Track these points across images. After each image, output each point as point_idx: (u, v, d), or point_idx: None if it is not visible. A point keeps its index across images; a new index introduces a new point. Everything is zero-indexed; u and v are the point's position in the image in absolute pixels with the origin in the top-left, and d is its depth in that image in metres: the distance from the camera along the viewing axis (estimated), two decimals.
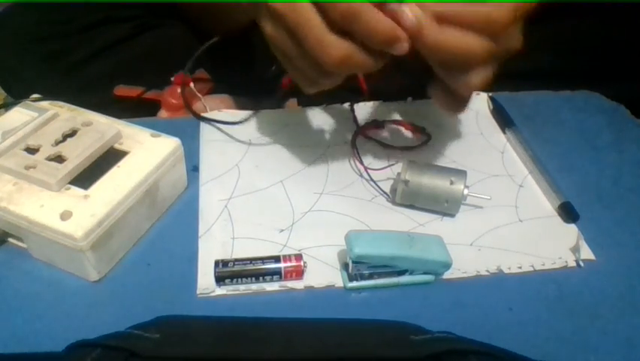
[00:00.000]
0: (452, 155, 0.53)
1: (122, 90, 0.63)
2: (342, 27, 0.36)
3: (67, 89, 0.48)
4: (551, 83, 0.62)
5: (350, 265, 0.39)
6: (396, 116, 0.57)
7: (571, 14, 0.60)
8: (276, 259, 0.41)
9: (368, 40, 0.37)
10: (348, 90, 0.51)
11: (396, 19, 0.36)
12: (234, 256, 0.42)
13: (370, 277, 0.41)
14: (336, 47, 0.36)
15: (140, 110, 0.56)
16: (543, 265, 0.43)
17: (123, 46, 0.67)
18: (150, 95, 0.61)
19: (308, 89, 0.43)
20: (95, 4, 0.67)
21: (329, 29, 0.36)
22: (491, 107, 0.59)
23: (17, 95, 0.55)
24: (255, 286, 0.40)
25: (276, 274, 0.40)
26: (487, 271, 0.42)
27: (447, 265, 0.40)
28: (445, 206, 0.45)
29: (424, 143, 0.54)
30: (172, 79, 0.60)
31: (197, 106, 0.59)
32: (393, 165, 0.50)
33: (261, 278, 0.40)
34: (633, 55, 0.63)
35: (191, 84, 0.59)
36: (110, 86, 0.63)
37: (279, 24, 0.38)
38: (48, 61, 0.64)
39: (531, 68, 0.63)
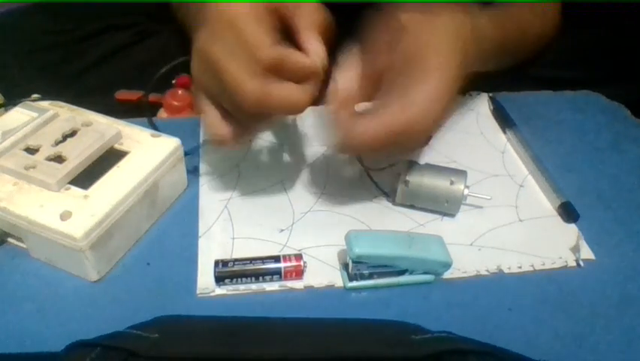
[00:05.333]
0: (452, 155, 0.53)
1: (123, 94, 0.64)
2: (268, 71, 0.36)
3: (67, 99, 0.49)
4: (552, 84, 0.62)
5: (350, 264, 0.39)
6: None
7: (571, 17, 0.60)
8: (276, 258, 0.41)
9: (295, 78, 0.37)
10: None
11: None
12: (234, 256, 0.42)
13: (370, 276, 0.41)
14: (250, 87, 0.36)
15: (140, 113, 0.56)
16: (543, 264, 0.43)
17: (124, 54, 0.67)
18: (152, 97, 0.61)
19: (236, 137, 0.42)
20: (95, 13, 0.68)
21: (249, 70, 0.36)
22: (491, 107, 0.59)
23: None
24: (254, 286, 0.40)
25: (276, 273, 0.40)
26: (487, 270, 0.42)
27: (447, 265, 0.40)
28: (445, 206, 0.45)
29: (424, 143, 0.53)
30: (173, 82, 0.61)
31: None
32: (393, 165, 0.50)
33: (260, 278, 0.40)
34: (633, 56, 0.63)
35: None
36: (111, 94, 0.63)
37: (204, 65, 0.38)
38: (49, 70, 0.64)
39: (533, 72, 0.63)
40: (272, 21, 0.38)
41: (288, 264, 0.40)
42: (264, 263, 0.40)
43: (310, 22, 0.38)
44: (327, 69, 0.38)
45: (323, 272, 0.42)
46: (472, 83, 0.57)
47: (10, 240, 0.43)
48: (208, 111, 0.40)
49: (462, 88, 0.40)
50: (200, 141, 0.53)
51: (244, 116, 0.39)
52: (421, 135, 0.40)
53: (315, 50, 0.37)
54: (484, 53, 0.45)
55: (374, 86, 0.39)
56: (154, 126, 0.49)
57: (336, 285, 0.41)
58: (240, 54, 0.36)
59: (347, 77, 0.39)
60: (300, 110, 0.38)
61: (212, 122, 0.40)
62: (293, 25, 0.38)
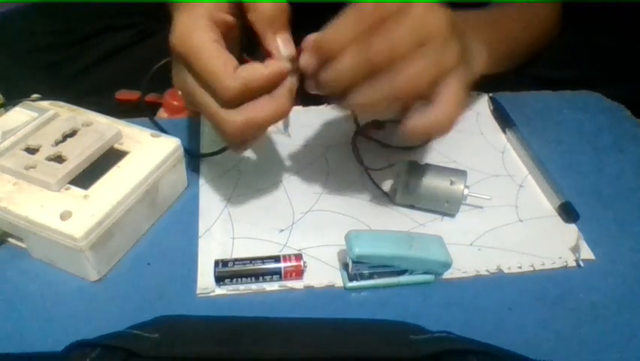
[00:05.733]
0: (452, 155, 0.53)
1: (123, 94, 0.64)
2: (238, 101, 0.36)
3: (67, 99, 0.49)
4: (552, 84, 0.62)
5: (350, 265, 0.39)
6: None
7: (571, 17, 0.60)
8: (276, 258, 0.41)
9: (266, 91, 0.37)
10: None
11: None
12: (234, 256, 0.42)
13: (370, 277, 0.41)
14: (230, 121, 0.36)
15: (140, 114, 0.56)
16: (543, 265, 0.43)
17: (123, 54, 0.67)
18: (151, 97, 0.61)
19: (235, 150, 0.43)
20: (95, 13, 0.68)
21: (223, 105, 0.36)
22: (492, 107, 0.59)
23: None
24: (254, 286, 0.40)
25: (275, 273, 0.40)
26: (487, 271, 0.42)
27: (447, 265, 0.40)
28: (445, 206, 0.45)
29: (424, 143, 0.53)
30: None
31: None
32: (393, 165, 0.50)
33: (260, 278, 0.40)
34: (633, 56, 0.63)
35: None
36: (111, 94, 0.63)
37: (186, 98, 0.39)
38: (49, 70, 0.64)
39: (533, 72, 0.63)
40: (232, 31, 0.38)
41: (288, 264, 0.40)
42: (263, 263, 0.40)
43: (268, 19, 0.37)
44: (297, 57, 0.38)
45: (323, 272, 0.42)
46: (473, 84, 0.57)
47: (10, 240, 0.43)
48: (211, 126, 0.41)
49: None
50: (200, 135, 0.53)
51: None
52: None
53: (278, 49, 0.37)
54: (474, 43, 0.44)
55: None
56: (157, 125, 0.49)
57: (336, 285, 0.41)
58: (209, 86, 0.36)
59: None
60: (286, 113, 0.38)
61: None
62: (253, 25, 0.37)
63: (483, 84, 0.60)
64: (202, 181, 0.49)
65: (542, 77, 0.64)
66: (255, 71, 0.36)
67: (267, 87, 0.37)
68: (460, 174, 0.45)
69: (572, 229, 0.46)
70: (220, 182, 0.49)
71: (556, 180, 0.49)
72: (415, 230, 0.45)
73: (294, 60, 0.37)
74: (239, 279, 0.40)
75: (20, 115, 0.46)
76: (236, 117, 0.36)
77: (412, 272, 0.40)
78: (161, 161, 0.44)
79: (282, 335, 0.34)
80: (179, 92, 0.39)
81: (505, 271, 0.42)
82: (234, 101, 0.36)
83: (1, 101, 0.50)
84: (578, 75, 0.63)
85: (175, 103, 0.60)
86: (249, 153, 0.52)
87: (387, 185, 0.49)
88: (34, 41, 0.65)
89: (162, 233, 0.45)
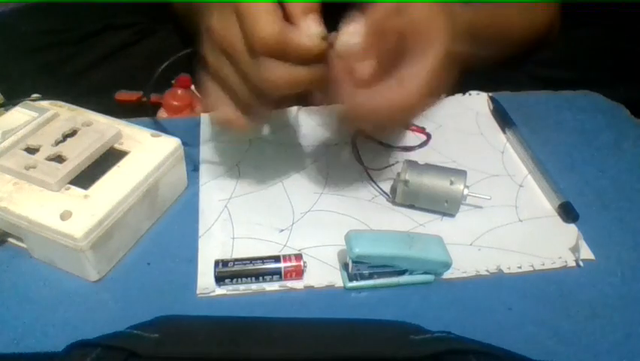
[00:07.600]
0: (452, 155, 0.53)
1: (123, 95, 0.64)
2: (269, 52, 0.36)
3: (67, 98, 0.49)
4: (552, 84, 0.62)
5: (350, 264, 0.39)
6: None
7: (571, 17, 0.60)
8: (276, 258, 0.41)
9: (297, 58, 0.37)
10: None
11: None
12: (234, 256, 0.42)
13: (370, 276, 0.41)
14: (280, 69, 0.36)
15: (140, 114, 0.56)
16: (543, 265, 0.43)
17: (123, 53, 0.67)
18: (151, 97, 0.61)
19: (241, 125, 0.42)
20: (94, 13, 0.68)
21: (251, 52, 0.36)
22: (491, 107, 0.59)
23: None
24: (254, 286, 0.40)
25: (275, 274, 0.40)
26: (487, 271, 0.42)
27: (447, 265, 0.40)
28: (445, 206, 0.45)
29: (424, 143, 0.54)
30: (173, 82, 0.61)
31: (199, 107, 0.59)
32: (393, 165, 0.50)
33: (261, 278, 0.40)
34: (632, 56, 0.63)
35: (192, 86, 0.59)
36: (111, 94, 0.63)
37: (218, 49, 0.38)
38: (48, 70, 0.64)
39: (533, 72, 0.63)
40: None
41: (288, 264, 0.40)
42: (264, 263, 0.40)
43: (303, 6, 0.37)
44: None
45: (323, 272, 0.42)
46: (471, 81, 0.57)
47: (10, 240, 0.43)
48: (216, 98, 0.41)
49: (456, 71, 0.39)
50: (200, 135, 0.53)
51: (253, 99, 0.39)
52: (419, 109, 0.39)
53: (310, 30, 0.37)
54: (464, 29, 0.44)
55: (377, 52, 0.38)
56: (159, 125, 0.49)
57: (336, 285, 0.41)
58: (246, 28, 0.35)
59: (349, 32, 0.37)
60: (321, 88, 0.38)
61: (219, 107, 0.41)
62: (288, 11, 0.37)
63: (483, 84, 0.60)
64: (202, 181, 0.49)
65: (542, 77, 0.64)
66: (294, 33, 0.36)
67: (298, 57, 0.36)
68: (460, 174, 0.45)
69: (572, 228, 0.46)
70: (220, 182, 0.49)
71: (556, 180, 0.49)
72: (415, 230, 0.45)
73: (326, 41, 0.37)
74: (239, 279, 0.40)
75: (20, 115, 0.46)
76: (289, 70, 0.36)
77: (412, 272, 0.40)
78: (161, 161, 0.44)
79: (282, 335, 0.34)
80: (217, 35, 0.38)
81: (505, 271, 0.42)
82: (266, 49, 0.35)
83: (1, 101, 0.50)
84: (578, 75, 0.63)
85: (175, 103, 0.60)
86: (248, 153, 0.52)
87: (387, 185, 0.49)
88: (34, 41, 0.65)
89: (162, 233, 0.45)
